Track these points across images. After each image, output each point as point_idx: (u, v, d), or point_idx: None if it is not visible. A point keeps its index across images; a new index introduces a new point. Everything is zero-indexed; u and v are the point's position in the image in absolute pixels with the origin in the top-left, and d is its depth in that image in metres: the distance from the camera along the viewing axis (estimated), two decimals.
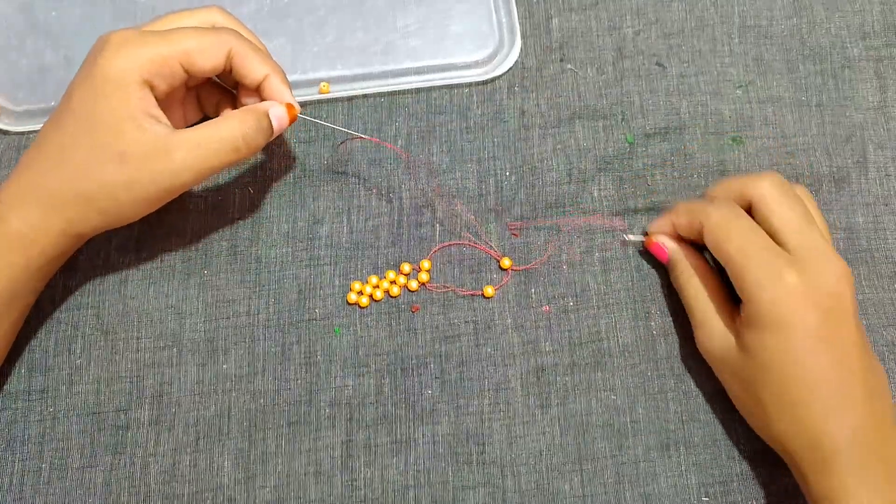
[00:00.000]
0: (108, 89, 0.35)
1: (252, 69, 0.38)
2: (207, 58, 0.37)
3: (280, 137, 0.45)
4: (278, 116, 0.39)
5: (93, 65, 0.36)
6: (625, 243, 0.43)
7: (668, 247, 0.41)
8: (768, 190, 0.37)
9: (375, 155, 0.45)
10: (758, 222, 0.37)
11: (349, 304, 0.42)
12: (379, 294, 0.42)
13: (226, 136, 0.37)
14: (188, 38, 0.37)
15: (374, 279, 0.42)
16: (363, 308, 0.42)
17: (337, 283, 0.43)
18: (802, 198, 0.38)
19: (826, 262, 0.35)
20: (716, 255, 0.37)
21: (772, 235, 0.36)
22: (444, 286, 0.42)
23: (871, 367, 0.35)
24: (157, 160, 0.36)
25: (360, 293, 0.42)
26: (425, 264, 0.43)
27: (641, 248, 0.43)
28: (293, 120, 0.40)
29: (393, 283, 0.42)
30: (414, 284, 0.42)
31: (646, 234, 0.43)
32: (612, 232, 0.44)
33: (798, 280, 0.34)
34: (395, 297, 0.42)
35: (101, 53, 0.36)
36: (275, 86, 0.39)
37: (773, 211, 0.37)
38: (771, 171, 0.39)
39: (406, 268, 0.42)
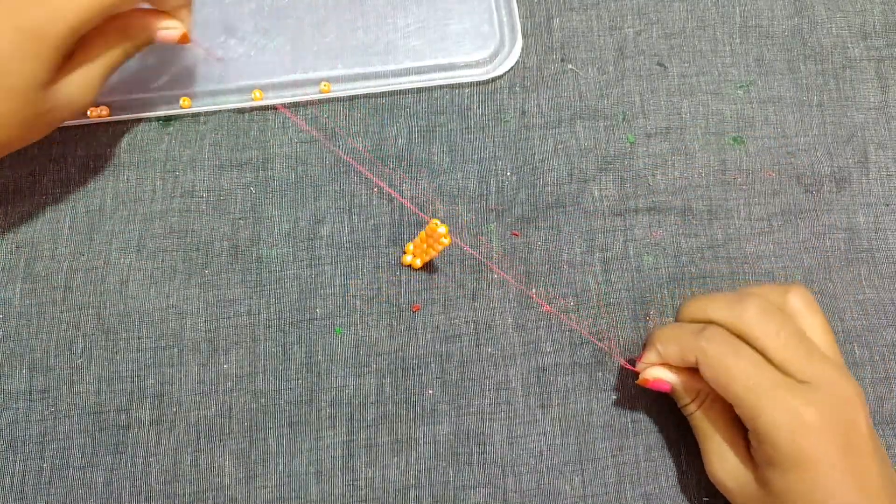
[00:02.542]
0: (28, 44, 0.34)
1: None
2: None
3: (281, 137, 0.45)
4: (165, 36, 0.40)
5: (15, 11, 0.34)
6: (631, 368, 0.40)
7: (669, 379, 0.37)
8: (757, 324, 0.34)
9: (376, 155, 0.45)
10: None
11: (403, 265, 0.42)
12: (425, 256, 0.41)
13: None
14: None
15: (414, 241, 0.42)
16: (415, 269, 0.42)
17: (338, 282, 0.43)
18: (800, 303, 0.36)
19: (838, 389, 0.33)
20: (720, 393, 0.35)
21: (772, 363, 0.34)
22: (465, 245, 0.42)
23: (891, 484, 0.34)
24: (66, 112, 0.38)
25: (414, 256, 0.42)
26: (441, 229, 0.40)
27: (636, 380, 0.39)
28: (183, 41, 0.41)
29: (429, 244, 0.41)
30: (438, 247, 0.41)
31: (631, 360, 0.40)
32: (612, 232, 0.44)
33: (816, 415, 0.32)
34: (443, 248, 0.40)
35: (29, 9, 0.34)
36: (183, 16, 0.40)
37: (768, 347, 0.34)
38: (751, 296, 0.35)
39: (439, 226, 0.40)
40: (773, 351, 0.34)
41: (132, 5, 0.38)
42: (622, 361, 0.40)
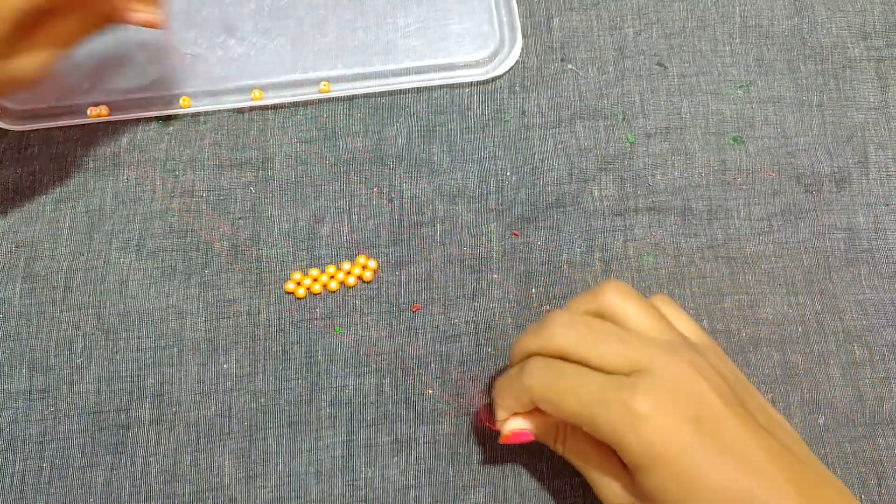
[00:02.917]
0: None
1: None
2: None
3: (281, 137, 0.46)
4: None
5: None
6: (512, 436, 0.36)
7: (527, 428, 0.35)
8: (563, 337, 0.32)
9: (376, 155, 0.45)
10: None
11: (286, 292, 0.42)
12: (317, 287, 0.42)
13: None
14: None
15: (313, 272, 0.42)
16: (300, 299, 0.42)
17: (289, 287, 0.43)
18: (613, 296, 0.34)
19: (668, 367, 0.31)
20: (566, 420, 0.33)
21: (595, 368, 0.32)
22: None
23: (782, 447, 0.31)
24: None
25: (299, 284, 0.42)
26: (371, 263, 0.43)
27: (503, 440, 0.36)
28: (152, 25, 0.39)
29: (332, 277, 0.42)
30: (352, 280, 0.42)
31: (492, 420, 0.38)
32: (612, 232, 0.44)
33: (650, 402, 0.30)
34: (333, 291, 0.42)
35: None
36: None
37: (583, 355, 0.32)
38: (551, 314, 0.33)
39: (361, 260, 0.42)
40: (590, 355, 0.32)
41: None
42: (485, 421, 0.39)
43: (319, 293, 0.42)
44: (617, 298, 0.34)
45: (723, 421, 0.30)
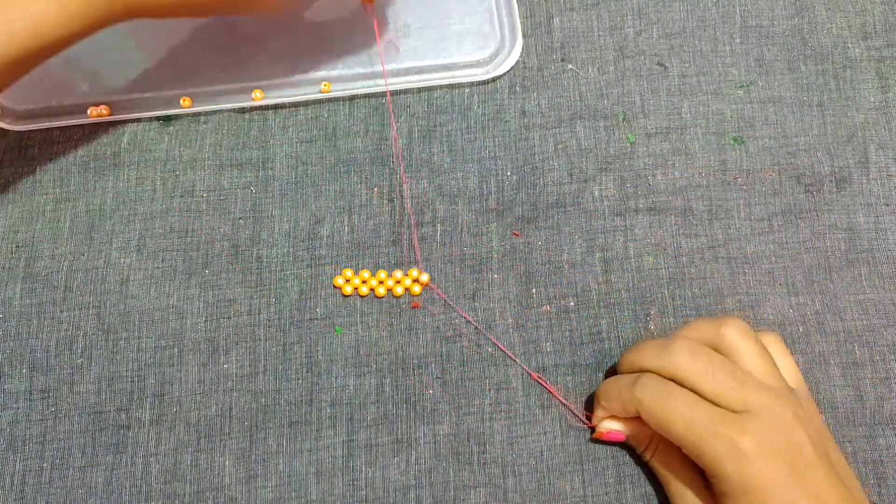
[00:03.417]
0: None
1: None
2: None
3: (281, 137, 0.46)
4: None
5: None
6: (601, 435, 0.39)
7: (622, 430, 0.39)
8: (685, 364, 0.35)
9: (377, 154, 0.45)
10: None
11: (335, 286, 0.42)
12: (364, 290, 0.42)
13: None
14: None
15: (365, 273, 0.43)
16: (347, 297, 0.42)
17: (338, 282, 0.43)
18: (734, 334, 0.36)
19: (775, 414, 0.34)
20: (665, 436, 0.36)
21: (707, 399, 0.35)
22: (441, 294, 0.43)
23: (853, 496, 0.34)
24: None
25: (348, 281, 0.42)
26: (423, 277, 0.43)
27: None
28: None
29: (381, 283, 0.42)
30: (399, 290, 0.42)
31: (588, 415, 0.40)
32: (612, 232, 0.44)
33: (753, 443, 0.33)
34: (380, 297, 0.42)
35: None
36: None
37: (699, 384, 0.35)
38: (677, 339, 0.36)
39: (414, 273, 0.43)
40: (705, 387, 0.35)
41: None
42: (580, 418, 0.40)
43: (365, 296, 0.42)
44: (738, 338, 0.36)
45: (812, 469, 0.33)
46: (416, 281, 0.42)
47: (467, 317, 0.42)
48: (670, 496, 0.37)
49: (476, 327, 0.42)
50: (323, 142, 0.46)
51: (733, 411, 0.34)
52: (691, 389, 0.35)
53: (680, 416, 0.34)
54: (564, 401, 0.40)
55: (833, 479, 0.34)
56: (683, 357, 0.35)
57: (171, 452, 0.40)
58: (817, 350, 0.42)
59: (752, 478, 0.33)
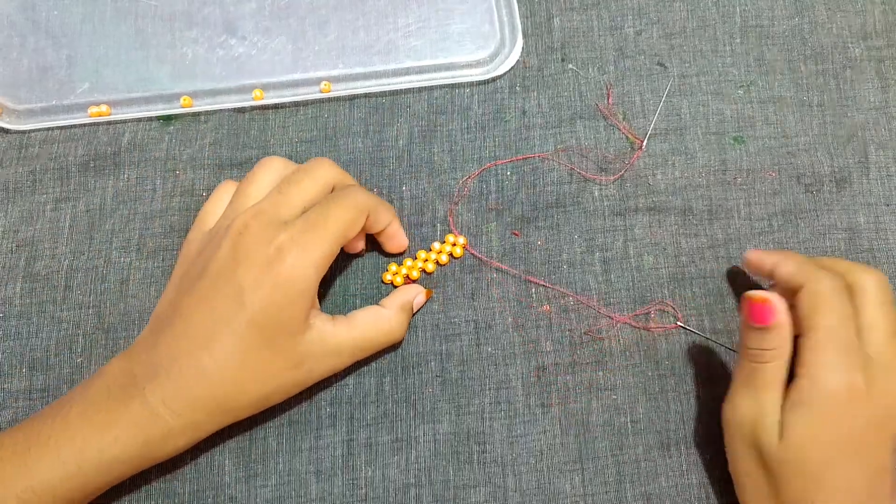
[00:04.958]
0: (294, 297, 0.35)
1: (379, 223, 0.40)
2: (355, 232, 0.37)
3: (281, 137, 0.46)
4: (419, 303, 0.41)
5: (271, 271, 0.34)
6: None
7: (781, 311, 0.35)
8: (872, 288, 0.36)
9: (377, 155, 0.45)
10: None
11: (384, 283, 0.43)
12: (415, 274, 0.43)
13: (383, 328, 0.39)
14: (344, 225, 0.36)
15: (408, 261, 0.43)
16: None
17: (337, 282, 0.43)
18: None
19: (892, 387, 0.34)
20: (801, 320, 0.35)
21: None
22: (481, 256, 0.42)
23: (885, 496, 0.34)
24: (329, 359, 0.37)
25: (396, 274, 0.43)
26: (460, 239, 0.43)
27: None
28: (428, 298, 0.42)
29: (426, 261, 0.43)
30: (444, 258, 0.43)
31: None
32: (612, 232, 0.44)
33: (863, 387, 0.33)
34: (430, 273, 0.43)
35: (280, 263, 0.34)
36: (395, 230, 0.41)
37: (867, 309, 0.35)
38: (878, 271, 0.37)
39: (451, 238, 0.43)
40: (870, 319, 0.35)
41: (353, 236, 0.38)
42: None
43: (418, 278, 0.43)
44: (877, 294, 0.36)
45: (886, 445, 0.34)
46: (454, 245, 0.43)
47: (502, 267, 0.42)
48: (752, 380, 0.35)
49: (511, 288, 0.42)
50: (323, 142, 0.46)
51: (868, 354, 0.34)
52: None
53: (834, 316, 0.34)
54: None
55: (891, 475, 0.34)
56: (877, 280, 0.36)
57: None
58: None
59: (838, 404, 0.33)
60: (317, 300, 0.37)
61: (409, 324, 0.41)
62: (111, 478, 0.35)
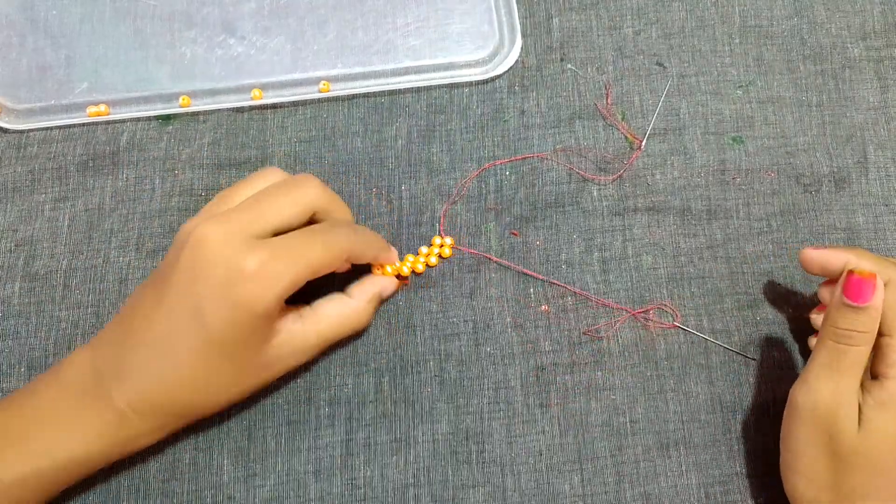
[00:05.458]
0: (255, 322, 0.34)
1: (361, 258, 0.39)
2: (327, 271, 0.36)
3: (280, 136, 0.46)
4: (389, 292, 0.41)
5: (231, 291, 0.33)
6: None
7: (881, 292, 0.34)
8: None
9: (376, 154, 0.45)
10: None
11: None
12: (420, 267, 0.43)
13: (349, 320, 0.39)
14: (316, 263, 0.35)
15: (410, 257, 0.43)
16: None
17: (338, 282, 0.43)
18: None
19: None
20: (887, 317, 0.34)
21: None
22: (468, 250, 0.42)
23: None
24: (296, 356, 0.38)
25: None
26: (447, 240, 0.43)
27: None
28: (399, 287, 0.42)
29: (416, 261, 0.43)
30: (433, 260, 0.43)
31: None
32: (611, 232, 0.44)
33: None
34: (419, 274, 0.43)
35: (241, 285, 0.33)
36: (381, 261, 0.41)
37: None
38: None
39: (437, 240, 0.43)
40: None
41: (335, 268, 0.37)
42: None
43: (422, 273, 0.43)
44: None
45: None
46: (441, 246, 0.43)
47: (496, 259, 0.42)
48: (836, 360, 0.34)
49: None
50: (321, 141, 0.46)
51: None
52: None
53: None
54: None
55: None
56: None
57: (170, 451, 0.40)
58: None
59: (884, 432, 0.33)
60: (283, 306, 0.36)
61: (377, 313, 0.42)
62: (83, 472, 0.35)
